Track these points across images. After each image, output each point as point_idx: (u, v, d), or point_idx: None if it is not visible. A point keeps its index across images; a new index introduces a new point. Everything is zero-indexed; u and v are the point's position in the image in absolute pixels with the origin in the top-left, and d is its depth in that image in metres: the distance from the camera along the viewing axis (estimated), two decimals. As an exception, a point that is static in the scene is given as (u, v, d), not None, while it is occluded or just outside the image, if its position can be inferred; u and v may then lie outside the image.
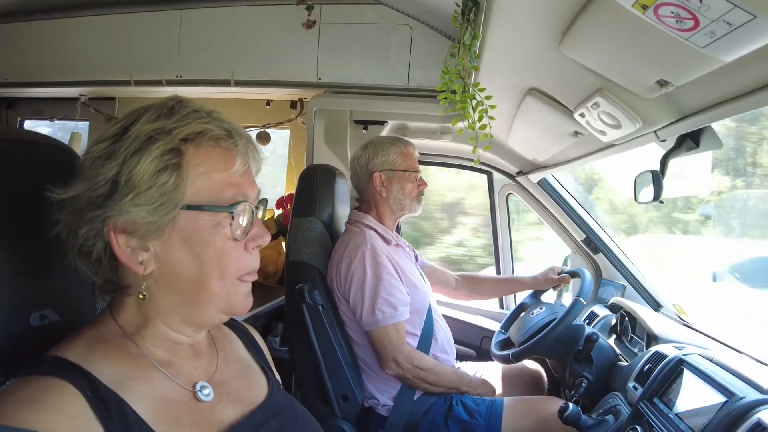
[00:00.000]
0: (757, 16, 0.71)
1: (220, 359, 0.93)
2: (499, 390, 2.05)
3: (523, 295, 2.39)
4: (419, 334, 1.94)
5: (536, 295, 2.30)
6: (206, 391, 0.83)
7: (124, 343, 0.79)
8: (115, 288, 0.82)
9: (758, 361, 1.57)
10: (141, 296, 0.78)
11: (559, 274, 2.24)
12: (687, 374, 1.39)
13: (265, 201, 0.89)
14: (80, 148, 3.27)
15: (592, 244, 2.58)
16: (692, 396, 1.32)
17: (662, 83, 1.08)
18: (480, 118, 1.46)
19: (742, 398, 1.17)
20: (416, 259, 2.22)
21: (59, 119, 3.76)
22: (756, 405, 1.14)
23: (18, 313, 0.81)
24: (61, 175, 0.78)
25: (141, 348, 0.79)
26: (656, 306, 2.35)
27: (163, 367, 0.80)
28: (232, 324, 1.06)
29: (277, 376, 1.06)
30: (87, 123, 3.58)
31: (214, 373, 0.89)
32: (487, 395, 1.91)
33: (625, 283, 2.46)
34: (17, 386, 0.67)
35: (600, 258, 2.60)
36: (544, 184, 2.63)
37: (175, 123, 0.76)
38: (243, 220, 0.80)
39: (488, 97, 1.43)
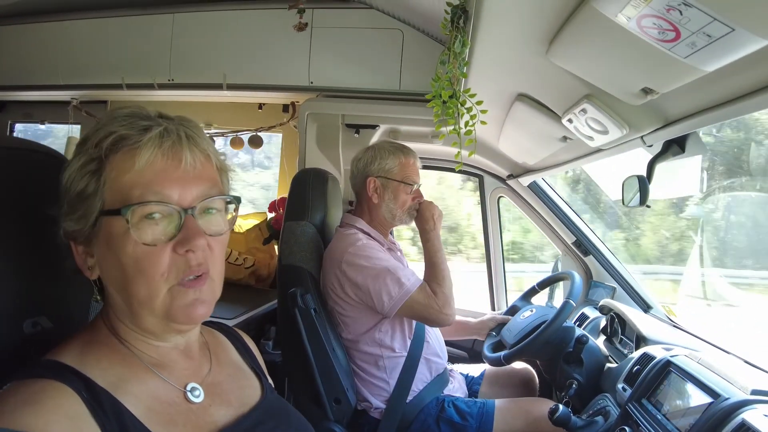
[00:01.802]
0: (735, 29, 0.73)
1: (213, 362, 0.93)
2: None
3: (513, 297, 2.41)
4: (411, 337, 1.95)
5: (527, 297, 2.32)
6: (196, 393, 0.84)
7: (116, 345, 0.80)
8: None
9: (745, 361, 1.59)
10: (95, 299, 0.83)
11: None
12: (674, 375, 1.41)
13: (234, 199, 0.85)
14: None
15: (582, 246, 2.61)
16: (679, 397, 1.34)
17: (647, 91, 1.10)
18: (467, 123, 1.47)
19: (727, 399, 1.19)
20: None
21: (51, 122, 3.74)
22: (741, 405, 1.16)
23: (11, 321, 0.81)
24: (51, 182, 0.79)
25: (132, 350, 0.80)
26: (646, 307, 2.37)
27: (156, 369, 0.81)
28: (224, 329, 1.06)
29: (270, 381, 1.06)
30: (79, 126, 3.57)
31: (207, 375, 0.89)
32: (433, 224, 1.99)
33: (615, 285, 2.48)
34: (15, 389, 0.68)
35: (590, 260, 2.62)
36: (534, 187, 2.65)
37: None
38: (157, 222, 0.75)
39: (479, 102, 1.45)
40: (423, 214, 1.99)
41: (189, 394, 0.83)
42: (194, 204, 0.78)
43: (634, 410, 1.43)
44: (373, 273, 1.82)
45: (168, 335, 0.84)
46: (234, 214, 0.86)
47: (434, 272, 1.89)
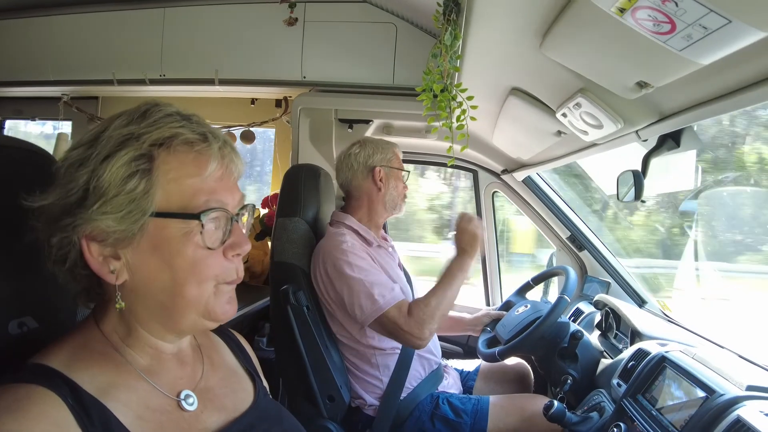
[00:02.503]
0: (732, 20, 0.72)
1: (206, 366, 0.92)
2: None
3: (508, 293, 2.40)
4: None
5: (522, 293, 2.32)
6: (190, 400, 0.83)
7: (107, 351, 0.78)
8: (95, 296, 0.80)
9: (740, 356, 1.59)
10: (117, 306, 0.76)
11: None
12: (669, 371, 1.40)
13: (250, 207, 0.87)
14: (65, 149, 3.27)
15: (577, 241, 2.60)
16: (674, 392, 1.34)
17: (642, 84, 1.09)
18: (458, 119, 1.46)
19: (722, 395, 1.19)
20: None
21: (41, 119, 3.71)
22: (736, 401, 1.15)
23: None
24: (39, 180, 0.76)
25: (125, 356, 0.78)
26: (641, 302, 2.37)
27: (147, 375, 0.79)
28: (219, 330, 1.05)
29: (265, 383, 1.05)
30: (70, 123, 3.54)
31: (200, 380, 0.88)
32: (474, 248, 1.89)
33: (610, 280, 2.48)
34: None
35: (585, 255, 2.62)
36: (528, 182, 2.65)
37: (146, 128, 0.74)
38: (216, 228, 0.78)
39: (470, 98, 1.43)
40: (472, 236, 1.90)
41: (183, 402, 0.81)
42: (236, 210, 0.81)
43: (629, 406, 1.43)
44: (349, 283, 1.79)
45: (183, 335, 0.86)
46: (249, 218, 0.88)
47: (436, 291, 1.82)
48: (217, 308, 0.80)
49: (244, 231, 0.85)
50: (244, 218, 0.85)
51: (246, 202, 0.86)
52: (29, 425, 0.63)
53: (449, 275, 1.86)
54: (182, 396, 0.82)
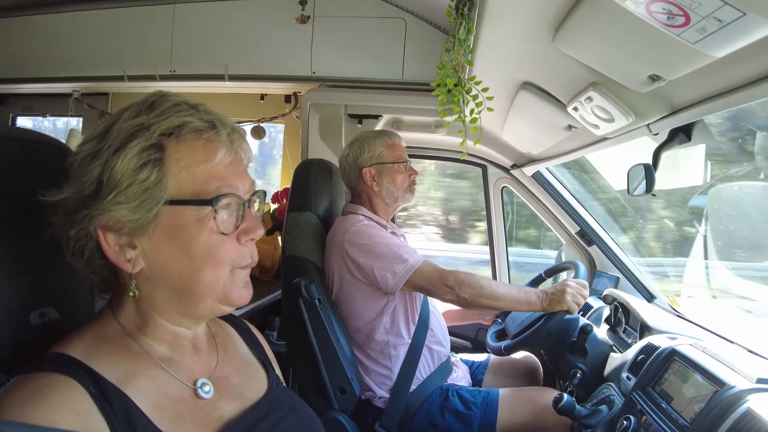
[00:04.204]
0: (746, 13, 0.72)
1: (220, 355, 0.93)
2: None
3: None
4: (416, 321, 1.95)
5: (534, 285, 2.31)
6: (207, 388, 0.84)
7: (125, 340, 0.79)
8: (111, 286, 0.82)
9: (749, 350, 1.59)
10: (131, 294, 0.78)
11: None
12: (679, 364, 1.40)
13: (261, 193, 0.89)
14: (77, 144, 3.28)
15: (586, 236, 2.61)
16: (684, 386, 1.34)
17: (654, 78, 1.09)
18: (472, 112, 1.47)
19: (732, 387, 1.19)
20: None
21: (52, 115, 3.74)
22: (746, 394, 1.15)
23: (18, 311, 0.81)
24: (57, 173, 0.78)
25: (142, 345, 0.80)
26: (649, 297, 2.37)
27: (165, 364, 0.81)
28: (231, 320, 1.06)
29: (278, 371, 1.07)
30: (80, 119, 3.57)
31: (215, 369, 0.90)
32: (561, 306, 1.81)
33: (619, 275, 2.48)
34: (21, 383, 0.67)
35: (594, 250, 2.62)
36: (538, 177, 2.65)
37: (155, 118, 0.76)
38: (229, 214, 0.79)
39: (485, 89, 1.44)
40: (562, 296, 1.82)
41: (199, 390, 0.83)
42: (247, 196, 0.82)
43: (639, 399, 1.43)
44: (377, 251, 1.82)
45: (201, 320, 0.88)
46: (260, 205, 0.89)
47: (497, 282, 1.87)
48: (233, 293, 0.81)
49: (257, 215, 0.86)
50: (256, 205, 0.86)
51: (261, 190, 0.88)
52: (52, 413, 0.64)
53: (521, 288, 1.89)
54: (199, 384, 0.83)
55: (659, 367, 1.46)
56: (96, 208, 0.73)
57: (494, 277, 2.98)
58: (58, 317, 0.87)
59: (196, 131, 0.77)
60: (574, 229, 2.65)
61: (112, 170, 0.73)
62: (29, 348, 0.78)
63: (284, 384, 1.06)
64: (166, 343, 0.83)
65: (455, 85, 1.43)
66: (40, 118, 3.84)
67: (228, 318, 1.05)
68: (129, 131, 0.74)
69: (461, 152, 2.86)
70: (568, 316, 1.82)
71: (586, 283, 1.89)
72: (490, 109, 1.46)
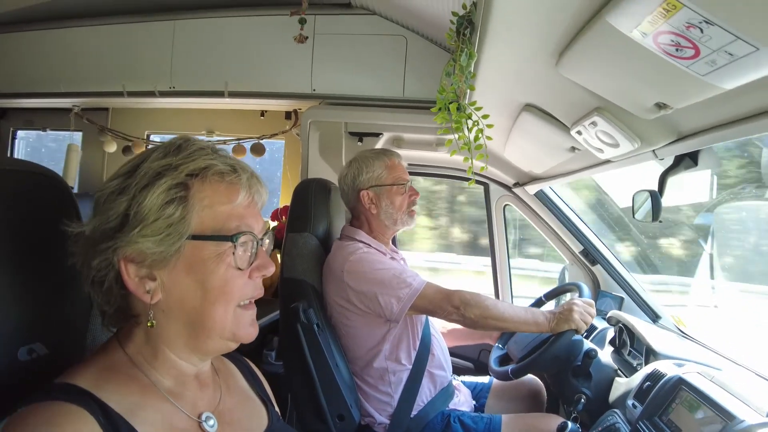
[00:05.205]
0: (759, 48, 0.70)
1: (223, 390, 0.96)
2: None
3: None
4: (417, 347, 1.91)
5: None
6: (211, 422, 0.86)
7: (132, 371, 0.82)
8: (124, 317, 0.85)
9: (758, 375, 1.56)
10: (149, 324, 0.81)
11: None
12: (686, 394, 1.37)
13: (271, 234, 0.93)
14: (77, 160, 3.27)
15: (590, 255, 2.58)
16: (692, 417, 1.31)
17: (661, 105, 1.07)
18: (476, 138, 1.45)
19: (742, 421, 1.16)
20: None
21: (52, 130, 3.76)
22: (756, 428, 1.13)
23: (5, 348, 0.81)
24: (50, 205, 0.82)
25: (149, 377, 0.82)
26: (654, 317, 2.34)
27: (171, 397, 0.83)
28: (232, 356, 1.09)
29: (277, 409, 1.09)
30: (80, 134, 3.57)
31: (218, 403, 0.92)
32: (570, 325, 1.77)
33: (624, 295, 2.45)
34: (33, 411, 0.69)
35: (598, 269, 2.59)
36: (541, 196, 2.63)
37: (182, 159, 0.81)
38: (246, 251, 0.84)
39: (485, 116, 1.42)
40: (575, 312, 1.79)
41: (204, 423, 0.85)
42: (261, 235, 0.87)
43: (645, 429, 1.40)
44: (378, 278, 1.79)
45: (206, 357, 0.91)
46: (270, 244, 0.93)
47: (503, 303, 1.85)
48: (241, 331, 0.86)
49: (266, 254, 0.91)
50: (266, 243, 0.90)
51: (270, 231, 0.93)
52: None
53: (527, 309, 1.87)
54: (203, 418, 0.86)
55: (666, 396, 1.43)
56: (121, 240, 0.77)
57: (496, 294, 2.95)
58: (46, 352, 0.87)
59: (220, 174, 0.83)
60: (577, 248, 2.62)
61: (139, 205, 0.77)
62: (16, 385, 0.78)
63: (282, 419, 1.09)
64: (173, 378, 0.85)
65: (457, 110, 1.41)
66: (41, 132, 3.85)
67: (229, 354, 1.07)
68: (157, 170, 0.80)
69: (462, 170, 2.87)
70: (575, 337, 1.78)
71: (593, 302, 1.86)
72: (489, 138, 1.44)
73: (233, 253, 0.82)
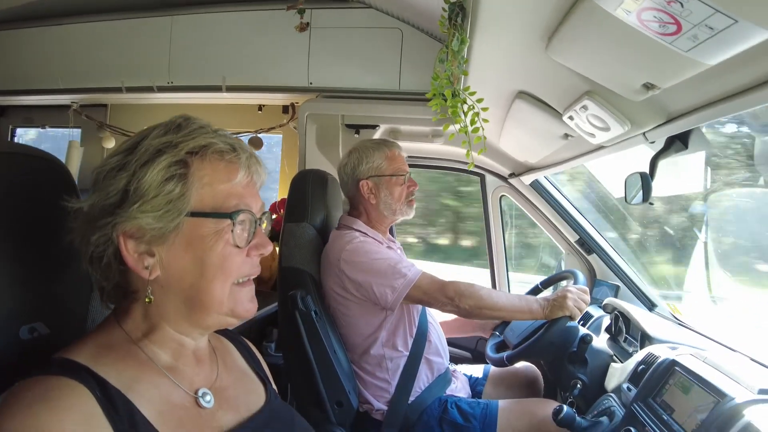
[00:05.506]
0: (738, 20, 0.71)
1: (220, 367, 0.96)
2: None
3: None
4: (414, 334, 1.93)
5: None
6: (207, 398, 0.87)
7: (130, 348, 0.82)
8: (122, 294, 0.85)
9: (752, 359, 1.57)
10: (147, 300, 0.82)
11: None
12: (680, 375, 1.39)
13: (268, 214, 0.93)
14: (79, 157, 3.28)
15: (586, 244, 2.59)
16: (685, 397, 1.32)
17: (648, 86, 1.08)
18: (473, 122, 1.46)
19: (732, 399, 1.17)
20: None
21: (51, 126, 3.76)
22: (747, 405, 1.14)
23: (7, 327, 0.82)
24: (49, 187, 0.83)
25: (147, 353, 0.83)
26: (650, 305, 2.35)
27: (168, 372, 0.84)
28: (229, 335, 1.10)
29: (274, 386, 1.09)
30: (79, 130, 3.58)
31: (215, 380, 0.93)
32: (564, 311, 1.77)
33: (619, 283, 2.46)
34: (30, 384, 0.70)
35: (594, 258, 2.60)
36: (536, 186, 2.64)
37: (182, 137, 0.82)
38: (245, 229, 0.85)
39: (480, 100, 1.43)
40: (563, 302, 1.79)
41: (200, 399, 0.86)
42: (259, 215, 0.88)
43: (640, 410, 1.41)
44: (374, 268, 1.80)
45: (206, 332, 0.92)
46: (267, 225, 0.94)
47: (497, 292, 1.87)
48: (240, 306, 0.86)
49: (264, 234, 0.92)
50: (264, 224, 0.91)
51: (268, 211, 0.93)
52: (60, 415, 0.67)
53: (521, 297, 1.88)
54: (200, 393, 0.86)
55: (660, 377, 1.45)
56: (121, 215, 0.78)
57: (493, 286, 2.97)
58: (48, 332, 0.88)
59: (219, 152, 0.84)
60: (573, 237, 2.63)
61: (139, 181, 0.78)
62: (18, 363, 0.78)
63: (281, 399, 1.08)
64: (171, 351, 0.86)
65: (453, 96, 1.42)
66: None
67: (226, 333, 1.09)
68: (158, 147, 0.80)
69: (459, 161, 2.88)
70: (569, 323, 1.79)
71: (587, 289, 1.87)
72: (485, 120, 1.45)
73: (231, 231, 0.82)
